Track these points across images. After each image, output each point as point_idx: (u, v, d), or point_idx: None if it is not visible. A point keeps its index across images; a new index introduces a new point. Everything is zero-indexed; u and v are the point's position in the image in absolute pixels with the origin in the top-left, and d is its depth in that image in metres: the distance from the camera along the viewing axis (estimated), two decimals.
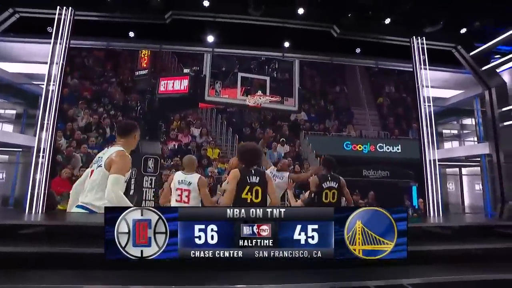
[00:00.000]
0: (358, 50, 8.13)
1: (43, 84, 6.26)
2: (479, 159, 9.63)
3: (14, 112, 9.27)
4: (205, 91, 8.15)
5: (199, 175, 4.68)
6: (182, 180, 4.48)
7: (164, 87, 8.25)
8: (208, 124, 8.27)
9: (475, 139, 10.76)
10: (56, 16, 5.81)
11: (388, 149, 8.85)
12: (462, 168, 11.25)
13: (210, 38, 7.63)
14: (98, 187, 3.40)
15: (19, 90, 8.61)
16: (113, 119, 7.87)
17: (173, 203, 4.55)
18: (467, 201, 10.89)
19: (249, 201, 3.94)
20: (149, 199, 6.48)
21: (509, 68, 7.58)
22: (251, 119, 8.56)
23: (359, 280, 2.86)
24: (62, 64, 5.79)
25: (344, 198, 5.15)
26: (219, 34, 7.48)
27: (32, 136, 7.11)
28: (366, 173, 8.49)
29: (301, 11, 6.30)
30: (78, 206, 3.53)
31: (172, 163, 7.66)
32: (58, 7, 5.82)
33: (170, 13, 6.31)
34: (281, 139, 8.24)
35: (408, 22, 6.60)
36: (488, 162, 8.35)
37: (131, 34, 7.48)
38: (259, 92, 8.30)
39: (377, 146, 8.87)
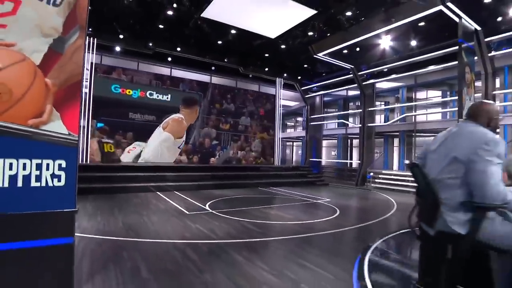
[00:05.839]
0: (250, 76, 14.46)
1: None
2: (302, 138, 18.23)
3: None
4: None
5: None
6: None
7: None
8: None
9: (301, 128, 19.45)
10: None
11: (158, 96, 9.52)
12: (294, 142, 20.08)
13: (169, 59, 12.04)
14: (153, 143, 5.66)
15: None
16: None
17: None
18: (294, 159, 19.91)
19: None
20: None
21: (317, 95, 15.85)
22: None
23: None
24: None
25: None
26: (174, 60, 11.98)
27: None
28: (132, 116, 8.84)
29: (226, 59, 12.10)
30: None
31: None
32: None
33: (155, 48, 10.62)
34: None
35: (275, 71, 13.53)
36: (304, 140, 16.63)
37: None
38: None
39: (147, 93, 9.39)
